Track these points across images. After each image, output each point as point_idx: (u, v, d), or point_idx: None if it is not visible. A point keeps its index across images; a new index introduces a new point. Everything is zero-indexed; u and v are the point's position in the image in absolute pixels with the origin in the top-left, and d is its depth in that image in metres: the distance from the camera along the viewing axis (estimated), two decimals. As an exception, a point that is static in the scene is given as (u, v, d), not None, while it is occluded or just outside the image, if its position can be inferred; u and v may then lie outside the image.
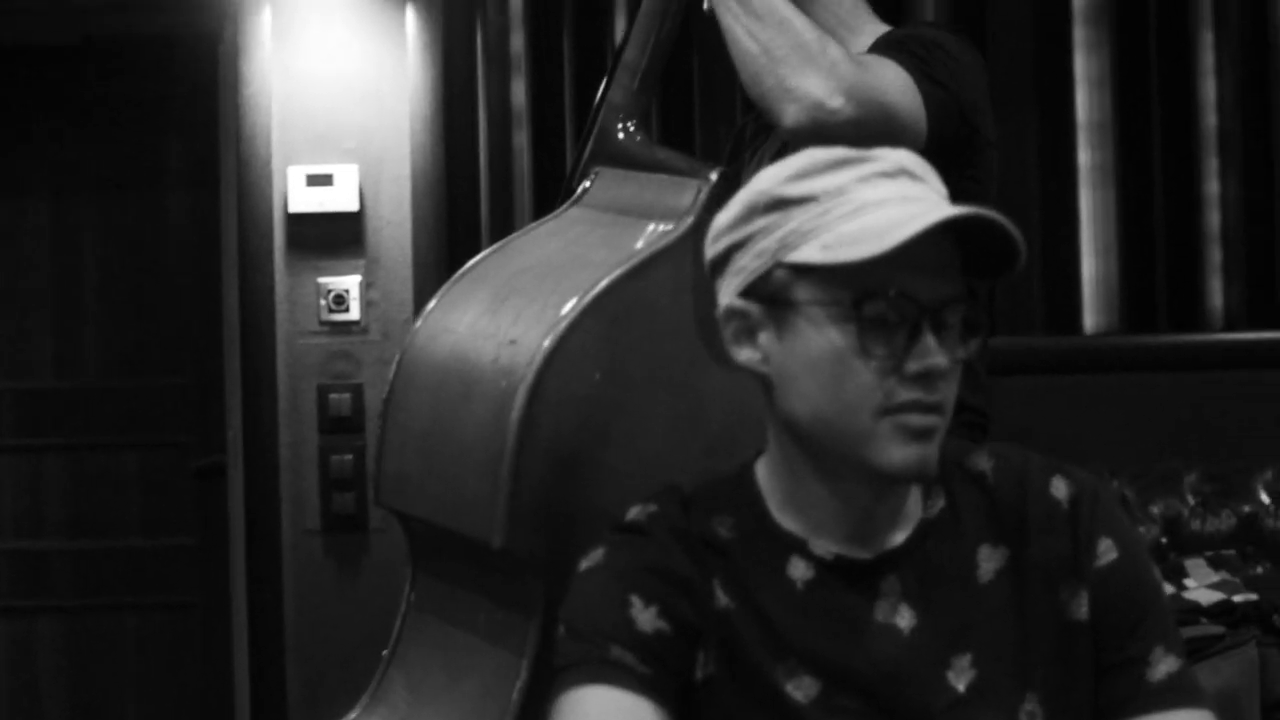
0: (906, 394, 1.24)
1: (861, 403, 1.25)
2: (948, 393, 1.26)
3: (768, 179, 1.29)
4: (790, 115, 1.70)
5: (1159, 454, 3.33)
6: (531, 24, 3.46)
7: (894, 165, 1.28)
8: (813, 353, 1.26)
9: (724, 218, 1.32)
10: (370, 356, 3.29)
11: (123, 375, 3.86)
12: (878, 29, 1.96)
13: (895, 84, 1.75)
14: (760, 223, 1.28)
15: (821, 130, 1.66)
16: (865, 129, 1.66)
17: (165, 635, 3.85)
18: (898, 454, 1.25)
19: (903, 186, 1.27)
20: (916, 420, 1.25)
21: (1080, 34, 3.48)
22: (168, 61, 3.70)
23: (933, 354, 1.24)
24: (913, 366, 1.24)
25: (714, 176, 1.71)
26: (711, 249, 1.33)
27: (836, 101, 1.69)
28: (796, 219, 1.26)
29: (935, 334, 1.24)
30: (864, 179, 1.27)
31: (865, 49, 1.88)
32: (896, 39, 1.87)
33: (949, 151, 1.72)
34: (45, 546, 3.87)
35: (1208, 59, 3.47)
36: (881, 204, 1.25)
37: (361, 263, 3.31)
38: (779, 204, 1.27)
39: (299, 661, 3.30)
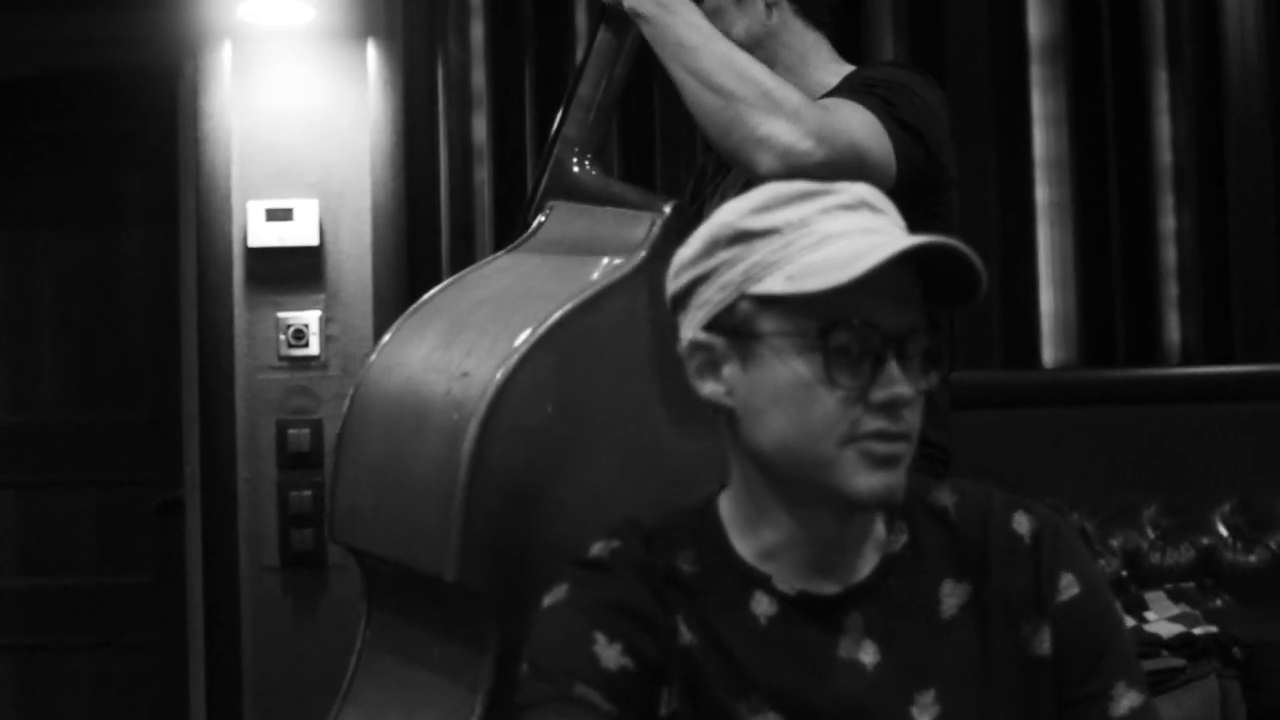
0: (872, 423, 1.25)
1: (827, 432, 1.25)
2: (913, 421, 1.27)
3: (730, 213, 1.30)
4: (764, 164, 1.70)
5: (1118, 487, 3.34)
6: (492, 59, 3.47)
7: (854, 198, 1.29)
8: (778, 383, 1.26)
9: (686, 252, 1.32)
10: (329, 392, 3.27)
11: (80, 411, 3.82)
12: (841, 68, 1.96)
13: (863, 125, 1.76)
14: (724, 256, 1.28)
15: (795, 175, 1.66)
16: (837, 170, 1.66)
17: (122, 674, 3.80)
18: (864, 481, 1.25)
19: (864, 219, 1.28)
20: (882, 448, 1.25)
21: (1037, 74, 3.52)
22: (127, 95, 3.69)
23: (897, 383, 1.24)
24: (878, 395, 1.24)
25: (668, 209, 1.71)
26: (674, 284, 1.33)
27: (806, 144, 1.69)
28: (760, 251, 1.27)
29: (899, 363, 1.25)
30: (826, 211, 1.27)
31: (829, 87, 1.88)
32: (861, 80, 1.87)
33: (915, 190, 1.73)
34: (0, 585, 3.82)
35: (1162, 98, 3.50)
36: (844, 235, 1.26)
37: (321, 298, 3.29)
38: (742, 237, 1.28)
39: (256, 699, 3.26)
